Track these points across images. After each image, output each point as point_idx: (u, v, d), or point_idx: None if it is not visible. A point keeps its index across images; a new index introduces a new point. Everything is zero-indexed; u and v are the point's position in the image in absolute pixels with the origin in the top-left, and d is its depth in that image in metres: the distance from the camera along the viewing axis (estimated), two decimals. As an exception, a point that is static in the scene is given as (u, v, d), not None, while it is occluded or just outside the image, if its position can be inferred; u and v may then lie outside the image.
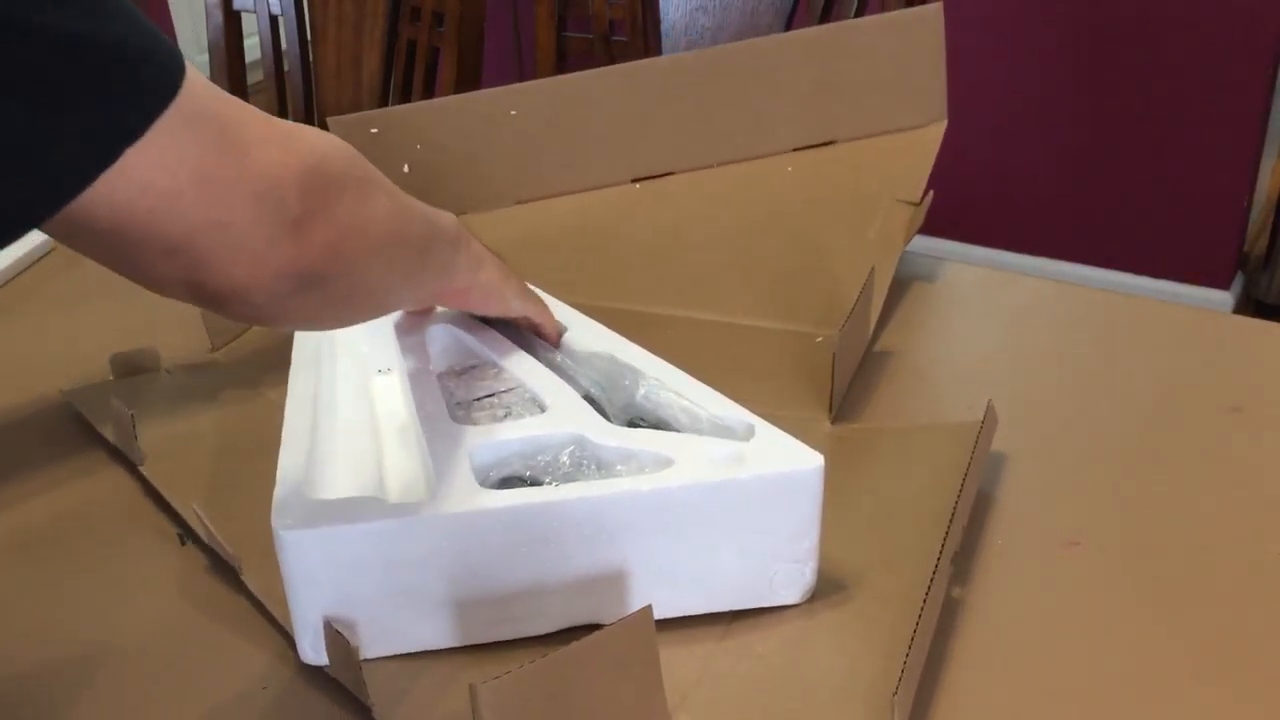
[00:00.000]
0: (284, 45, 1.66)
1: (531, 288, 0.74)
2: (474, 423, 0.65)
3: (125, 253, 0.44)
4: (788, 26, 1.54)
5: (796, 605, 0.61)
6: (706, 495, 0.58)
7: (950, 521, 0.61)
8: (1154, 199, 2.29)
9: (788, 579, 0.60)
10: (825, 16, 1.51)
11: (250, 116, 0.46)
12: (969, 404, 0.71)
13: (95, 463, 0.77)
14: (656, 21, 1.71)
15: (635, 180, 1.03)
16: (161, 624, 0.64)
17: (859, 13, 1.47)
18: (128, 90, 0.40)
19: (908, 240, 0.90)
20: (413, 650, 0.59)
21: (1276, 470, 0.71)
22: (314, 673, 0.59)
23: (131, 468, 0.75)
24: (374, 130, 1.00)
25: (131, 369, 0.85)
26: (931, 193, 0.93)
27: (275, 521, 0.56)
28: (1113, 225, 2.35)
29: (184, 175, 0.42)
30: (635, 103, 1.01)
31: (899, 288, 0.91)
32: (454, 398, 0.68)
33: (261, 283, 0.46)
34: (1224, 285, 2.30)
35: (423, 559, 0.57)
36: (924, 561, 0.60)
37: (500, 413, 0.66)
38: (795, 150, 1.01)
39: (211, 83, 0.45)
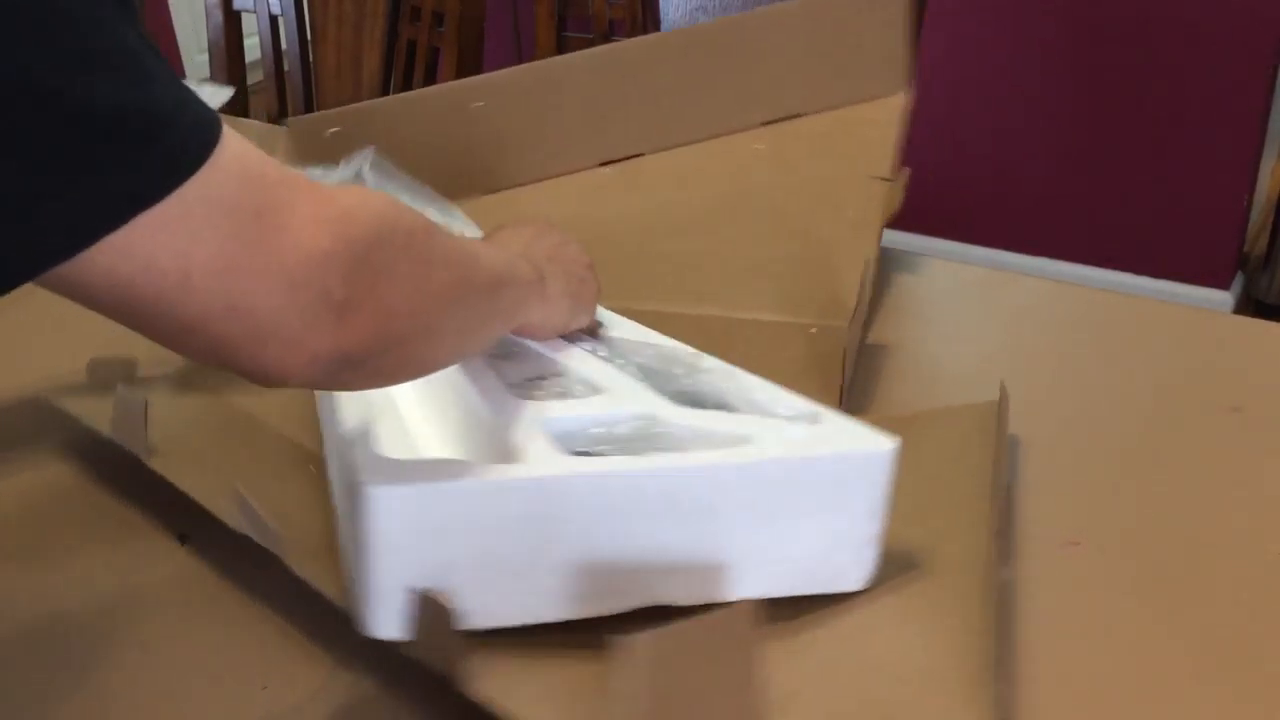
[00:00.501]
0: (284, 45, 1.66)
1: None
2: (534, 400, 0.62)
3: (136, 325, 0.41)
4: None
5: (859, 592, 0.60)
6: (791, 471, 0.58)
7: (990, 500, 0.61)
8: (1154, 199, 2.29)
9: (853, 562, 0.60)
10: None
11: (300, 195, 0.42)
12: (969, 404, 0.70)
13: (93, 461, 0.76)
14: (656, 21, 1.71)
15: (604, 164, 1.02)
16: (160, 622, 0.64)
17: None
18: (137, 162, 0.37)
19: (887, 219, 0.88)
20: (485, 626, 0.55)
21: (1276, 470, 0.71)
22: (312, 672, 0.59)
23: (127, 466, 0.75)
24: (333, 130, 0.97)
25: (109, 377, 0.79)
26: (908, 170, 0.92)
27: (363, 477, 0.52)
28: (1113, 225, 2.35)
29: (198, 259, 0.39)
30: (600, 86, 1.00)
31: (899, 288, 0.91)
32: (505, 379, 0.65)
33: (296, 367, 0.43)
34: (1224, 285, 2.30)
35: (508, 525, 0.54)
36: (968, 542, 0.60)
37: (557, 391, 0.64)
38: (764, 124, 1.00)
39: (260, 155, 0.41)
